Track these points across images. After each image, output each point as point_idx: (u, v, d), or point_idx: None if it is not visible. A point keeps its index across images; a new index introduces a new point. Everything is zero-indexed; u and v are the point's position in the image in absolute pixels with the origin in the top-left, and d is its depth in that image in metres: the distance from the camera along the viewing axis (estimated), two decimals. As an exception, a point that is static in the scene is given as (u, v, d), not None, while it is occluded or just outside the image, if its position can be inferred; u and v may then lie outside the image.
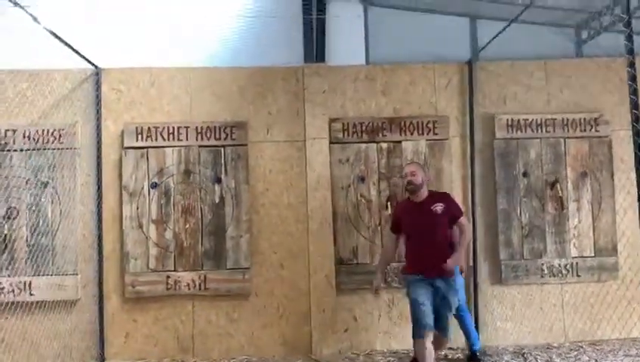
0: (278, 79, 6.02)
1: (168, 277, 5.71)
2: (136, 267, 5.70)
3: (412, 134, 6.00)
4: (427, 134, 6.00)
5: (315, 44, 5.98)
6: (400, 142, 5.98)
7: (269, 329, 5.82)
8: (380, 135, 5.98)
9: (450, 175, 5.97)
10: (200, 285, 5.72)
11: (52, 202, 5.68)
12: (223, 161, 5.84)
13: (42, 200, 5.67)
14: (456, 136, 6.07)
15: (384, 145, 5.98)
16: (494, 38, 5.63)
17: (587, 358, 5.32)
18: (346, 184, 5.94)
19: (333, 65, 6.07)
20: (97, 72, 5.87)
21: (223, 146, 5.85)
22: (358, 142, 5.97)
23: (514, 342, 5.84)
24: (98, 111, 5.84)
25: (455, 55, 6.21)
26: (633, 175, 3.75)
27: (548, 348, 5.73)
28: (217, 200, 5.81)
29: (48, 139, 5.73)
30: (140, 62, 5.95)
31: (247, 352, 5.77)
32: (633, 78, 3.59)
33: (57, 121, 5.80)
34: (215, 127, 5.87)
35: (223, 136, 5.86)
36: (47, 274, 5.60)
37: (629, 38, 3.60)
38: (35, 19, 4.54)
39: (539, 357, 5.39)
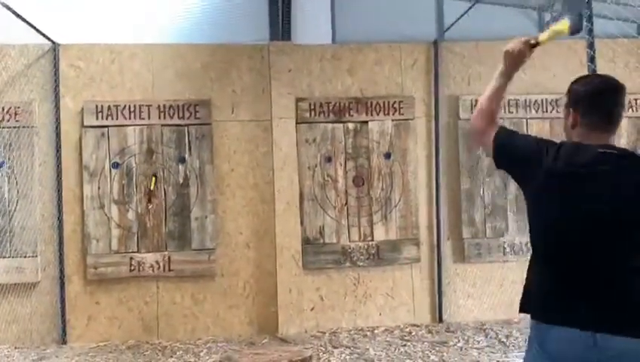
0: (243, 57, 5.92)
1: (132, 258, 5.61)
2: (98, 248, 5.58)
3: (378, 114, 6.01)
4: (393, 114, 6.02)
5: (281, 21, 5.90)
6: (366, 122, 5.99)
7: (235, 309, 5.81)
8: (347, 115, 5.97)
9: (415, 155, 6.02)
10: (164, 266, 5.65)
11: (9, 182, 5.50)
12: (186, 141, 5.74)
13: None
14: (422, 117, 6.10)
15: (350, 126, 5.98)
16: (459, 18, 5.66)
17: (545, 332, 5.49)
18: (312, 164, 5.92)
19: (300, 43, 6.00)
20: (55, 48, 5.65)
21: (187, 125, 5.75)
22: (325, 122, 5.95)
23: (475, 318, 5.99)
24: (56, 89, 5.64)
25: (422, 34, 6.21)
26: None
27: (508, 323, 5.89)
28: (181, 181, 5.72)
29: (4, 117, 5.52)
30: (100, 38, 5.76)
31: (212, 333, 5.75)
32: (592, 59, 3.67)
33: (13, 98, 5.59)
34: (178, 106, 5.75)
35: (187, 114, 5.75)
36: (5, 257, 5.44)
37: (589, 19, 3.66)
38: (-14, -9, 4.34)
39: (499, 332, 5.54)
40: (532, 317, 1.97)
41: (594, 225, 1.81)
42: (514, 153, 2.02)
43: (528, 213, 2.00)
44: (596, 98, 1.92)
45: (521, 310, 2.04)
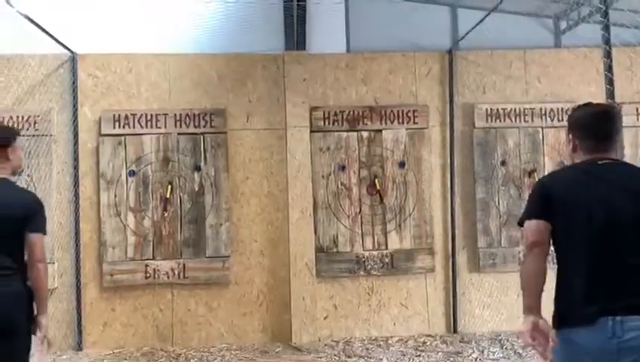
0: (258, 66, 5.97)
1: (147, 265, 5.66)
2: (114, 256, 5.64)
3: (392, 123, 6.01)
4: (407, 123, 6.02)
5: (295, 31, 5.94)
6: (380, 130, 5.99)
7: (249, 317, 5.82)
8: (361, 123, 5.98)
9: (429, 164, 6.01)
10: (179, 274, 5.69)
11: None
12: (202, 149, 5.79)
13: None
14: (436, 125, 6.09)
15: (365, 134, 5.99)
16: (474, 27, 5.65)
17: (562, 344, 5.43)
18: (326, 172, 5.94)
19: (314, 53, 6.04)
20: (73, 58, 5.75)
21: (202, 134, 5.80)
22: (339, 131, 5.97)
23: (491, 329, 5.93)
24: (74, 98, 5.73)
25: (435, 44, 6.21)
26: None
27: (524, 334, 5.82)
28: (197, 189, 5.77)
29: (23, 126, 5.61)
30: (117, 48, 5.85)
31: (226, 340, 5.76)
32: (609, 68, 3.64)
33: (32, 107, 5.69)
34: (194, 115, 5.81)
35: (202, 123, 5.80)
36: (23, 263, 5.50)
37: (606, 29, 3.65)
38: (8, 2, 4.43)
39: (515, 343, 5.48)
40: (558, 328, 2.06)
41: (613, 228, 2.01)
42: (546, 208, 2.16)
43: (560, 233, 2.14)
44: (591, 125, 2.20)
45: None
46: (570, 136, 2.27)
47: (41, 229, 2.82)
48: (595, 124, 2.21)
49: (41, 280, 2.77)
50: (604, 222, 2.03)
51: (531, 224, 2.15)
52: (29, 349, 2.77)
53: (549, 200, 2.13)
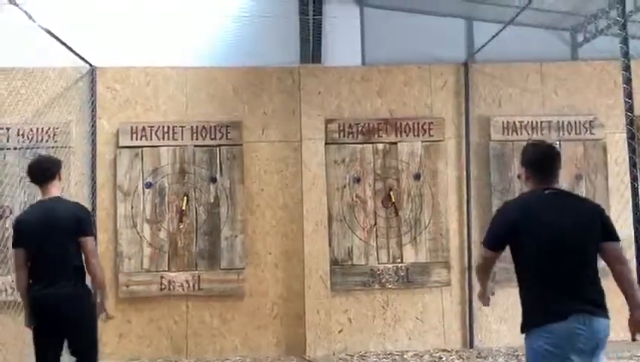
0: (273, 79, 6.01)
1: (162, 277, 5.68)
2: (130, 267, 5.67)
3: (408, 135, 6.00)
4: (423, 136, 6.00)
5: (311, 44, 5.98)
6: (396, 143, 5.98)
7: (263, 330, 5.80)
8: (376, 136, 5.98)
9: (445, 176, 5.98)
10: (194, 285, 5.70)
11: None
12: (218, 161, 5.83)
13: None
14: (452, 138, 6.07)
15: (380, 146, 5.98)
16: (490, 40, 5.65)
17: (581, 360, 5.33)
18: (341, 185, 5.93)
19: (329, 65, 6.07)
20: (92, 71, 5.84)
21: (218, 146, 5.84)
22: (354, 143, 5.97)
23: (508, 344, 5.84)
24: (93, 110, 5.82)
25: (451, 56, 6.21)
26: (627, 178, 3.77)
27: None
28: (212, 200, 5.79)
29: (42, 138, 5.71)
30: (136, 61, 5.92)
31: (240, 353, 5.75)
32: (628, 81, 3.60)
33: (52, 119, 5.78)
34: (210, 127, 5.85)
35: (219, 135, 5.84)
36: (40, 274, 5.55)
37: (625, 41, 3.62)
38: (29, 16, 4.52)
39: (533, 358, 5.40)
40: (538, 326, 2.65)
41: (563, 246, 2.62)
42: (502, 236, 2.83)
43: (525, 252, 2.74)
44: (538, 162, 2.80)
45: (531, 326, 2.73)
46: (524, 169, 2.86)
47: (90, 233, 3.55)
48: (542, 162, 2.80)
49: (97, 275, 3.57)
50: (559, 240, 2.62)
51: (487, 253, 2.88)
52: (93, 330, 3.62)
53: (510, 226, 2.72)
